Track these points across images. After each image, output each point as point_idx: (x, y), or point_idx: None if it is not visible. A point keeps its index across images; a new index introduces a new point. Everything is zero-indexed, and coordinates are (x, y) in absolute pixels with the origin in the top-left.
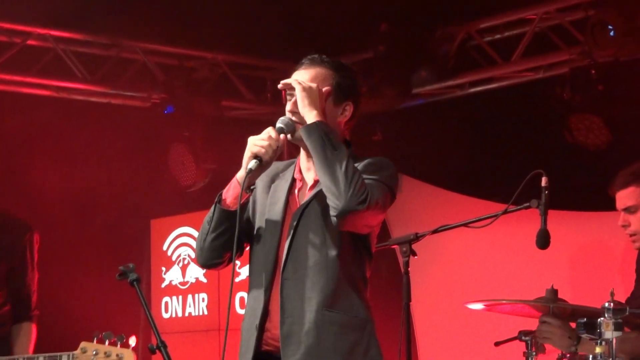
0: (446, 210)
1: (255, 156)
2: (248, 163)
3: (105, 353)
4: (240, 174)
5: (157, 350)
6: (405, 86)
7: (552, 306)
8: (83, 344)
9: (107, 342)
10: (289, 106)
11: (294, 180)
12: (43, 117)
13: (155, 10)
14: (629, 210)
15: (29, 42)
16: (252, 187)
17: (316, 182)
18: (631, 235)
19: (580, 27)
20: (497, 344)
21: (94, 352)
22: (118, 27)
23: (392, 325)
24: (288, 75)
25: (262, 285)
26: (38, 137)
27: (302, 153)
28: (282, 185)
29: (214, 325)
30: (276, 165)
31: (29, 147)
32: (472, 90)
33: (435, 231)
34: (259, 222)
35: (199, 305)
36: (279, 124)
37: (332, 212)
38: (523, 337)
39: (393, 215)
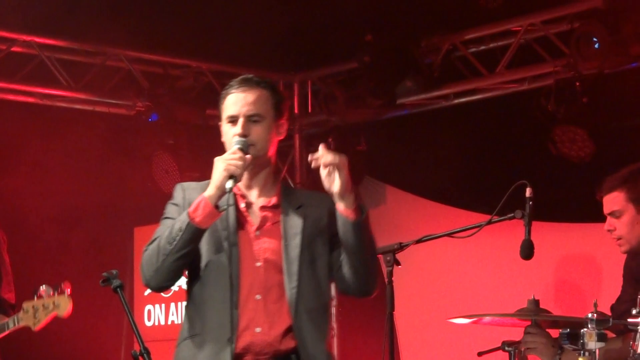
0: (430, 221)
1: (231, 176)
2: (223, 182)
3: (43, 306)
4: (210, 193)
5: (140, 357)
6: (390, 96)
7: (534, 318)
8: (25, 304)
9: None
10: (239, 129)
11: (237, 195)
12: (26, 124)
13: (140, 18)
14: (614, 214)
15: (14, 48)
16: (228, 205)
17: (273, 204)
18: (617, 240)
19: (565, 39)
20: (480, 354)
21: (35, 308)
22: (103, 34)
23: (375, 335)
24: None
25: (226, 300)
26: (20, 144)
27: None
28: (226, 201)
29: None
30: (200, 184)
31: (9, 153)
32: (457, 101)
33: (419, 241)
34: (206, 236)
35: (182, 313)
36: (240, 146)
37: (352, 291)
38: (506, 348)
39: (377, 224)
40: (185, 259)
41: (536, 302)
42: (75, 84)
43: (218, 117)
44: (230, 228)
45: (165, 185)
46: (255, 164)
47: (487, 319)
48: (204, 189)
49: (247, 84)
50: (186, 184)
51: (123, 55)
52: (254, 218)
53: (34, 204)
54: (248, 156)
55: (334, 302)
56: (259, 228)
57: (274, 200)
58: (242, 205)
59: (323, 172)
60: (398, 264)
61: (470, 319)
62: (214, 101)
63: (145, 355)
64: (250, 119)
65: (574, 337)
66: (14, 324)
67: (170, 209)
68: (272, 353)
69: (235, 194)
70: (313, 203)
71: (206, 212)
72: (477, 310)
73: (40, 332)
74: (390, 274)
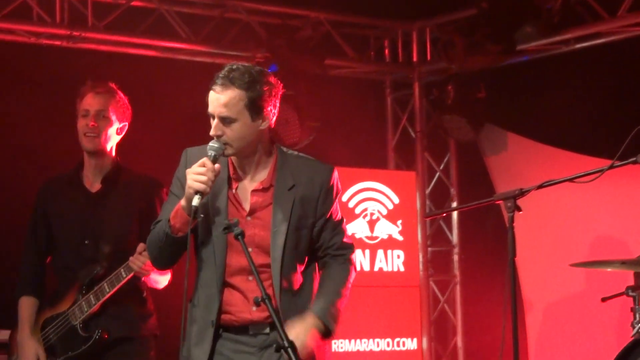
0: (551, 167)
1: (197, 192)
2: (190, 197)
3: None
4: (182, 205)
5: (261, 303)
6: (510, 43)
7: None
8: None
9: None
10: (212, 130)
11: (229, 178)
12: (148, 77)
13: None
14: None
15: (134, 3)
16: (201, 215)
17: (264, 187)
18: None
19: None
20: (604, 299)
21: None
22: None
23: (498, 281)
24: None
25: (214, 283)
26: (142, 97)
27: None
28: (217, 186)
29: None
30: (203, 152)
31: (135, 106)
32: (578, 45)
33: (540, 186)
34: (202, 221)
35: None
36: (212, 153)
37: None
38: (630, 293)
39: (497, 170)
40: (178, 251)
41: None
42: (195, 37)
43: (337, 67)
44: (222, 214)
45: (286, 136)
46: (240, 156)
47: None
48: (204, 154)
49: (225, 82)
50: (190, 151)
51: (241, 7)
52: (246, 204)
53: (161, 151)
54: (217, 166)
55: (456, 250)
56: (250, 214)
57: (265, 182)
58: (234, 190)
59: None
60: (519, 210)
61: (593, 265)
62: (333, 51)
63: (266, 300)
64: (224, 120)
65: None
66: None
67: (174, 184)
68: (254, 329)
69: (230, 177)
70: (305, 181)
71: (182, 221)
72: (599, 256)
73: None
74: (512, 220)
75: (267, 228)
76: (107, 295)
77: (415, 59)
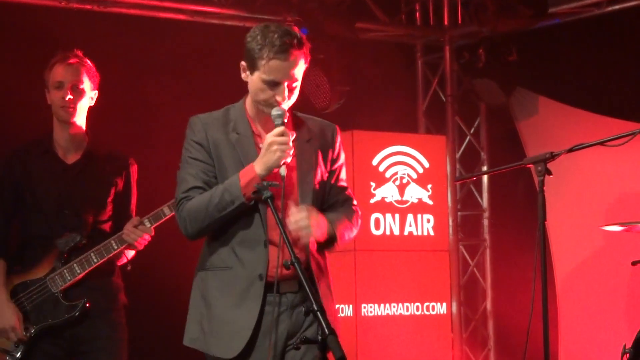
0: (582, 130)
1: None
2: (275, 166)
3: None
4: (261, 172)
5: (291, 266)
6: (542, 5)
7: None
8: None
9: None
10: (281, 97)
11: (253, 135)
12: (179, 41)
13: None
14: None
15: None
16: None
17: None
18: None
19: None
20: (634, 263)
21: None
22: None
23: (527, 245)
24: None
25: (259, 239)
26: (171, 61)
27: (258, 112)
28: (246, 142)
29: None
30: (214, 117)
31: (166, 70)
32: (610, 8)
33: (570, 150)
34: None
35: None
36: (280, 121)
37: None
38: None
39: (528, 134)
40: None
41: None
42: (226, 1)
43: (368, 30)
44: None
45: (317, 100)
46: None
47: None
48: (222, 123)
49: (289, 49)
50: (203, 119)
51: None
52: None
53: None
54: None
55: (486, 214)
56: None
57: (295, 136)
58: (261, 145)
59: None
60: (550, 173)
61: (623, 226)
62: (364, 14)
63: (296, 264)
64: (292, 86)
65: None
66: (170, 210)
67: (194, 149)
68: (286, 287)
69: (253, 133)
70: (318, 134)
71: (254, 189)
72: (630, 219)
73: None
74: (542, 183)
75: (295, 177)
76: (94, 266)
77: (446, 22)
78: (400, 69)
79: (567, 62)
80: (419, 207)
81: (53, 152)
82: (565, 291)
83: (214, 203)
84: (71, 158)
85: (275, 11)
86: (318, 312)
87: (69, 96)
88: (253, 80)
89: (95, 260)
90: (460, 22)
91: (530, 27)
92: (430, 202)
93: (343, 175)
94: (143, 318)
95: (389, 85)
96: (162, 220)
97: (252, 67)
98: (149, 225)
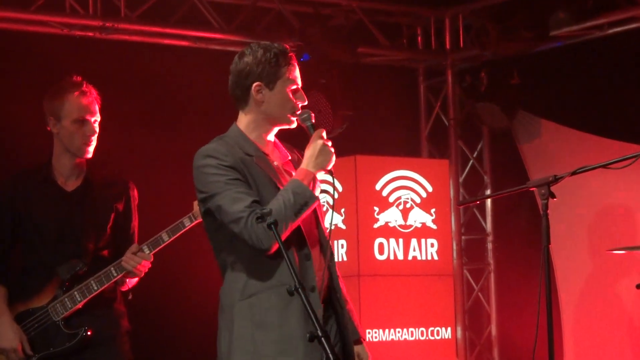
0: (585, 153)
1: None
2: (326, 166)
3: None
4: (316, 172)
5: (294, 292)
6: (543, 28)
7: None
8: (196, 203)
9: None
10: (305, 99)
11: (264, 155)
12: (182, 67)
13: None
14: None
15: None
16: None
17: (286, 160)
18: None
19: None
20: (639, 286)
21: None
22: None
23: (532, 269)
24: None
25: (300, 253)
26: (177, 87)
27: (266, 131)
28: (263, 162)
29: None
30: (220, 144)
31: (168, 96)
32: (612, 31)
33: (574, 173)
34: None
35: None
36: (311, 122)
37: None
38: None
39: (532, 157)
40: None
41: None
42: (227, 26)
43: (370, 55)
44: (279, 185)
45: (319, 124)
46: (276, 127)
47: None
48: (233, 147)
49: (292, 54)
50: (218, 145)
51: None
52: (286, 175)
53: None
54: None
55: (489, 238)
56: None
57: (288, 156)
58: (275, 163)
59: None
60: (553, 196)
61: (627, 250)
62: (366, 39)
63: (299, 290)
64: None
65: None
66: (191, 221)
67: (230, 172)
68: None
69: (264, 154)
70: (297, 160)
71: (317, 189)
72: (634, 242)
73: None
74: (546, 206)
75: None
76: (94, 293)
77: (448, 46)
78: (402, 93)
79: (570, 85)
80: (422, 232)
81: (52, 179)
82: (570, 315)
83: (289, 207)
84: (71, 185)
85: (277, 36)
86: (323, 339)
87: (95, 133)
88: (275, 94)
89: (95, 287)
90: (462, 45)
91: (532, 50)
92: (434, 227)
93: None
94: (147, 343)
95: (391, 110)
96: (161, 247)
97: (273, 81)
98: (148, 251)
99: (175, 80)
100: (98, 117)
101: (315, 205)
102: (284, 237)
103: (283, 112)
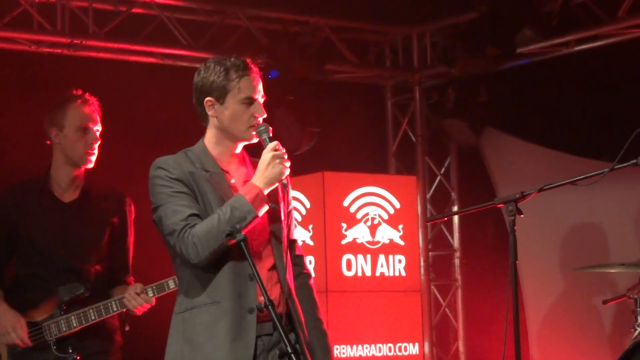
0: (552, 170)
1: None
2: (278, 179)
3: None
4: (264, 186)
5: (264, 309)
6: (510, 46)
7: None
8: None
9: None
10: (263, 111)
11: (222, 171)
12: (150, 84)
13: None
14: None
15: (134, 10)
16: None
17: (247, 179)
18: None
19: None
20: (605, 302)
21: None
22: None
23: (499, 285)
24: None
25: (244, 273)
26: (145, 104)
27: (228, 146)
28: (218, 178)
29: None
30: (179, 157)
31: (133, 113)
32: (578, 48)
33: (541, 189)
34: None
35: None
36: (268, 135)
37: None
38: (631, 295)
39: (499, 174)
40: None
41: None
42: (195, 43)
43: (337, 72)
44: None
45: (287, 141)
46: (239, 143)
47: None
48: (188, 162)
49: (250, 65)
50: (172, 158)
51: (242, 14)
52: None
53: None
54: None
55: (457, 254)
56: None
57: (251, 173)
58: (232, 181)
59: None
60: (520, 213)
61: (594, 268)
62: (333, 56)
63: (270, 307)
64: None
65: None
66: (175, 284)
67: (175, 184)
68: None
69: (222, 170)
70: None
71: (263, 204)
72: (599, 259)
73: None
74: (513, 223)
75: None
76: (91, 323)
77: (415, 63)
78: (370, 110)
79: (537, 101)
80: (390, 248)
81: (49, 190)
82: (537, 331)
83: (223, 221)
84: (68, 197)
85: (245, 53)
86: (293, 355)
87: (98, 142)
88: (226, 108)
89: (93, 317)
90: (429, 63)
91: (499, 67)
92: (402, 243)
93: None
94: (139, 358)
95: (359, 126)
96: (165, 293)
97: (223, 95)
98: (152, 295)
99: (143, 97)
100: (100, 127)
101: (256, 220)
102: (219, 251)
103: (237, 126)
